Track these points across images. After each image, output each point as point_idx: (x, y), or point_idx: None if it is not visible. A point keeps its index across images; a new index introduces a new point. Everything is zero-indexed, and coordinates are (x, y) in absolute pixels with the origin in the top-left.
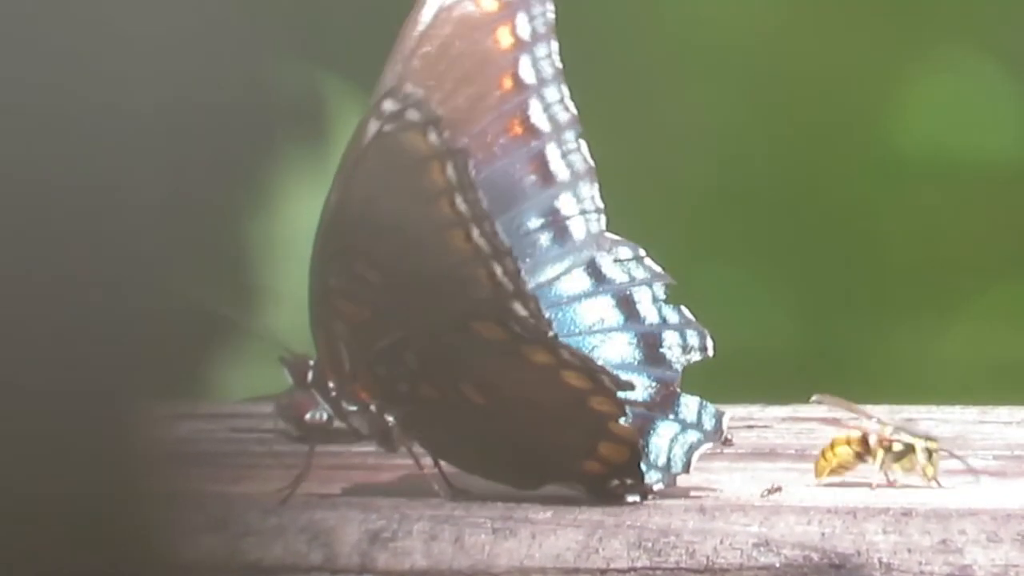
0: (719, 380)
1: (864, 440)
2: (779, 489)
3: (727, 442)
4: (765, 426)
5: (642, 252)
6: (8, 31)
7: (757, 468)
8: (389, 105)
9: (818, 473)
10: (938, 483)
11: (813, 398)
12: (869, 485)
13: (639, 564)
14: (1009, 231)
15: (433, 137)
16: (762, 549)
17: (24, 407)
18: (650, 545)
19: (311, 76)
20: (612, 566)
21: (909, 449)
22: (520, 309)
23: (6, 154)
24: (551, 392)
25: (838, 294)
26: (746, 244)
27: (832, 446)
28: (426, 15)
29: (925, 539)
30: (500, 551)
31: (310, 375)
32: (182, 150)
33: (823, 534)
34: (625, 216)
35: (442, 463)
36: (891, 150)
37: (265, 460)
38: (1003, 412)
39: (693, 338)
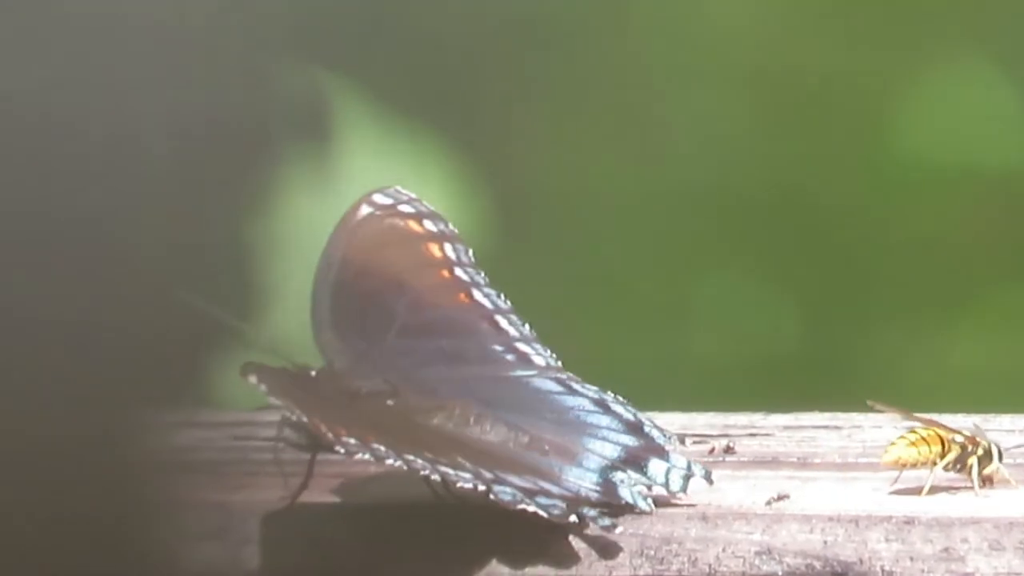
0: (720, 388)
1: (941, 441)
2: (787, 496)
3: (729, 450)
4: (767, 434)
5: (610, 393)
6: (10, 36)
7: (759, 476)
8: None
9: (892, 463)
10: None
11: (868, 403)
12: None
13: (641, 572)
14: (1012, 237)
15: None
16: (764, 557)
17: (26, 415)
18: (652, 553)
19: (313, 77)
20: (615, 574)
21: (987, 453)
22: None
23: (7, 158)
24: None
25: (839, 301)
26: (747, 251)
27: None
28: (360, 212)
29: (927, 547)
30: (501, 559)
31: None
32: (184, 152)
33: (825, 542)
34: (625, 224)
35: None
36: (893, 157)
37: (266, 468)
38: (1005, 420)
39: (671, 435)
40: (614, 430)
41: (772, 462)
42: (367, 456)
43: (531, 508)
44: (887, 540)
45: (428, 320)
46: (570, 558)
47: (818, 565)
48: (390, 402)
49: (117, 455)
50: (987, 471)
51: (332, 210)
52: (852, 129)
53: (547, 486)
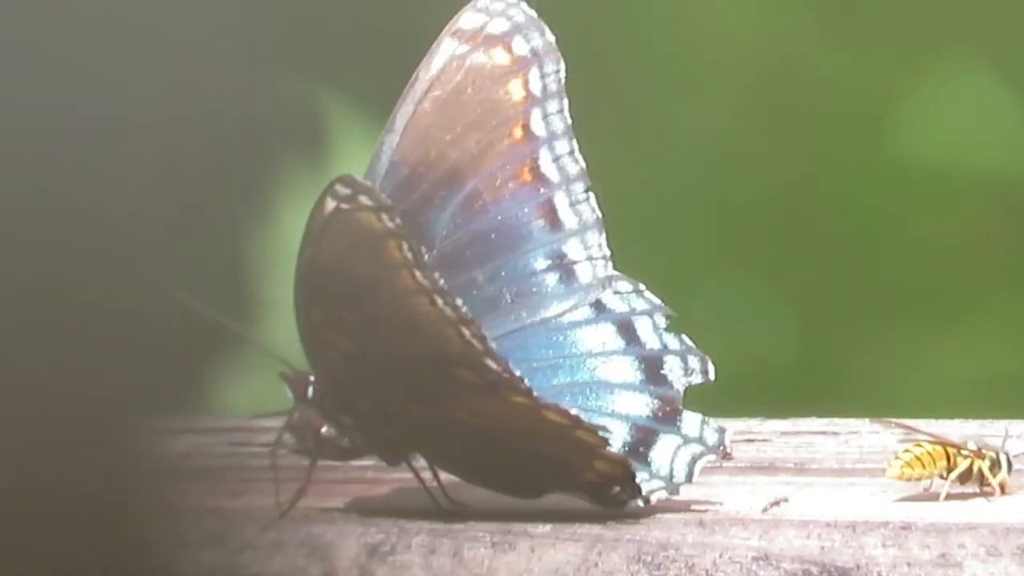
0: (718, 394)
1: (946, 455)
2: (785, 499)
3: (727, 456)
4: (764, 440)
5: (641, 286)
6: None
7: (756, 482)
8: (342, 189)
9: (896, 477)
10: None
11: (870, 421)
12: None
13: None
14: (1011, 245)
15: (386, 219)
16: (761, 563)
17: (24, 421)
18: (649, 559)
19: (310, 90)
20: None
21: (995, 463)
22: (492, 365)
23: (5, 167)
24: (536, 424)
25: (837, 307)
26: (745, 258)
27: (920, 459)
28: (438, 61)
29: (924, 553)
30: (499, 565)
31: (311, 391)
32: (181, 164)
33: (822, 548)
34: (624, 230)
35: (441, 475)
36: (893, 164)
37: (264, 474)
38: (1002, 426)
39: (694, 362)
40: (629, 387)
41: (769, 467)
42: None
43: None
44: (884, 546)
45: (470, 239)
46: (567, 564)
47: (815, 571)
48: None
49: (114, 461)
50: (998, 480)
51: None
52: (852, 137)
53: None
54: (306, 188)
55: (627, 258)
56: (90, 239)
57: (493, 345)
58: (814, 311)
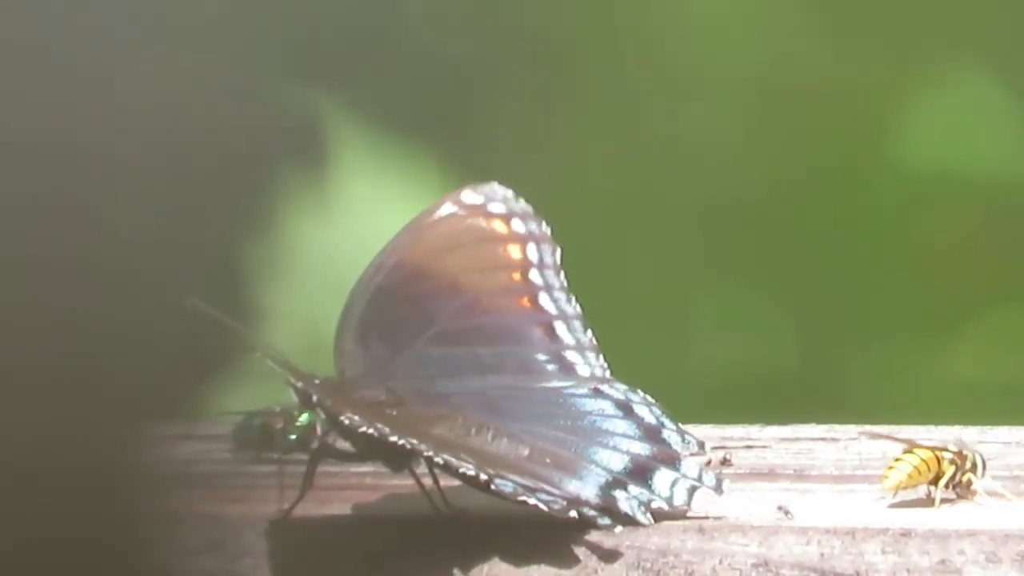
0: (718, 400)
1: (937, 460)
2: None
3: (726, 462)
4: (764, 446)
5: (638, 390)
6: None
7: (756, 488)
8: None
9: (894, 488)
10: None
11: (858, 431)
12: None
13: None
14: (1010, 252)
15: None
16: (761, 570)
17: (24, 427)
18: (649, 565)
19: (309, 98)
20: None
21: (974, 465)
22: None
23: (9, 176)
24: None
25: (837, 314)
26: (744, 265)
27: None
28: (441, 212)
29: (924, 559)
30: (498, 571)
31: (315, 397)
32: (181, 171)
33: (822, 554)
34: (623, 238)
35: (442, 482)
36: (891, 170)
37: (263, 481)
38: (1002, 432)
39: (691, 439)
40: (628, 437)
41: (769, 474)
42: (370, 430)
43: (531, 501)
44: (884, 552)
45: (472, 326)
46: (567, 570)
47: None
48: (392, 412)
49: (114, 467)
50: (977, 482)
51: (327, 229)
52: (852, 144)
53: (548, 488)
54: (306, 196)
55: (627, 267)
56: (90, 246)
57: None
58: (813, 318)
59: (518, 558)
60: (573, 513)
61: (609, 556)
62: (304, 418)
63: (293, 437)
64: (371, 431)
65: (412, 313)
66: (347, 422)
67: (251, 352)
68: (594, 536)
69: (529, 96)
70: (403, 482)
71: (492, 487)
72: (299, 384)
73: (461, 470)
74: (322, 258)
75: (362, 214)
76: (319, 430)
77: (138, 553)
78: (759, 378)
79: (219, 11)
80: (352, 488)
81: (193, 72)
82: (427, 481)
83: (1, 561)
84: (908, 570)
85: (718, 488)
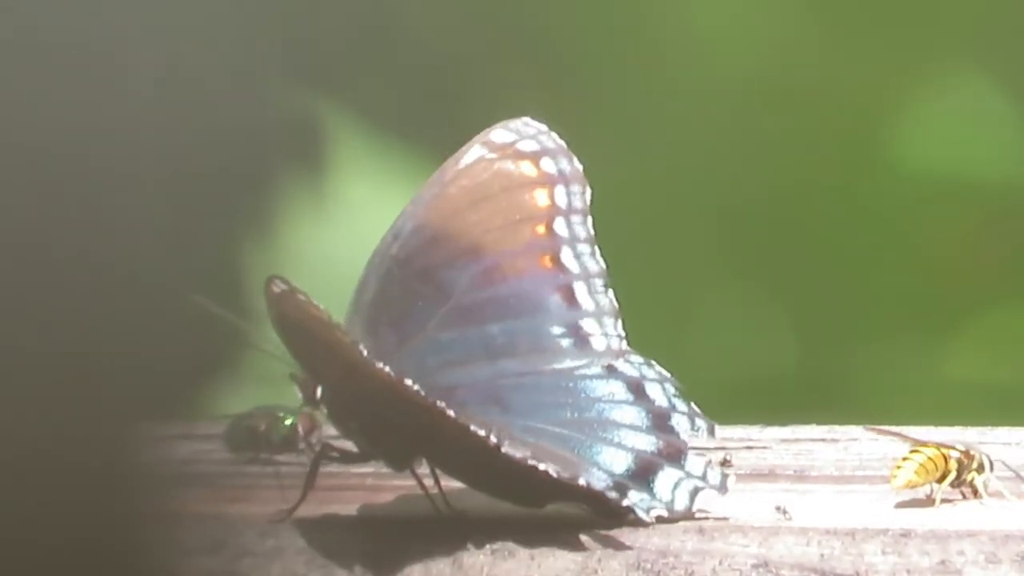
0: (718, 401)
1: (944, 459)
2: (789, 516)
3: (726, 463)
4: (764, 447)
5: (653, 362)
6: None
7: (756, 489)
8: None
9: (903, 487)
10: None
11: (865, 428)
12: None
13: None
14: (1007, 252)
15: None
16: (761, 570)
17: (23, 427)
18: (649, 566)
19: (307, 101)
20: None
21: (980, 465)
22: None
23: (6, 176)
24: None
25: (836, 315)
26: (743, 266)
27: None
28: (467, 158)
29: (924, 560)
30: (499, 572)
31: (319, 392)
32: (182, 173)
33: (822, 555)
34: (622, 240)
35: (443, 481)
36: (890, 172)
37: (263, 481)
38: (1002, 433)
39: (701, 423)
40: (635, 428)
41: (769, 475)
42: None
43: (541, 466)
44: (884, 553)
45: (487, 298)
46: (566, 571)
47: None
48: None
49: (114, 467)
50: (982, 481)
51: (327, 231)
52: (851, 145)
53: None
54: (305, 197)
55: (627, 269)
56: (89, 247)
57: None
58: (813, 318)
59: (518, 559)
60: (582, 480)
61: (609, 556)
62: (289, 420)
63: (278, 438)
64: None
65: (426, 289)
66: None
67: (254, 349)
68: (594, 536)
69: (529, 98)
70: (404, 483)
71: (503, 449)
72: (303, 378)
73: (472, 427)
74: (322, 260)
75: (362, 216)
76: (300, 431)
77: (138, 553)
78: (759, 378)
79: (219, 12)
80: (352, 488)
81: (192, 73)
82: (428, 482)
83: (0, 561)
84: (908, 570)
85: (722, 487)
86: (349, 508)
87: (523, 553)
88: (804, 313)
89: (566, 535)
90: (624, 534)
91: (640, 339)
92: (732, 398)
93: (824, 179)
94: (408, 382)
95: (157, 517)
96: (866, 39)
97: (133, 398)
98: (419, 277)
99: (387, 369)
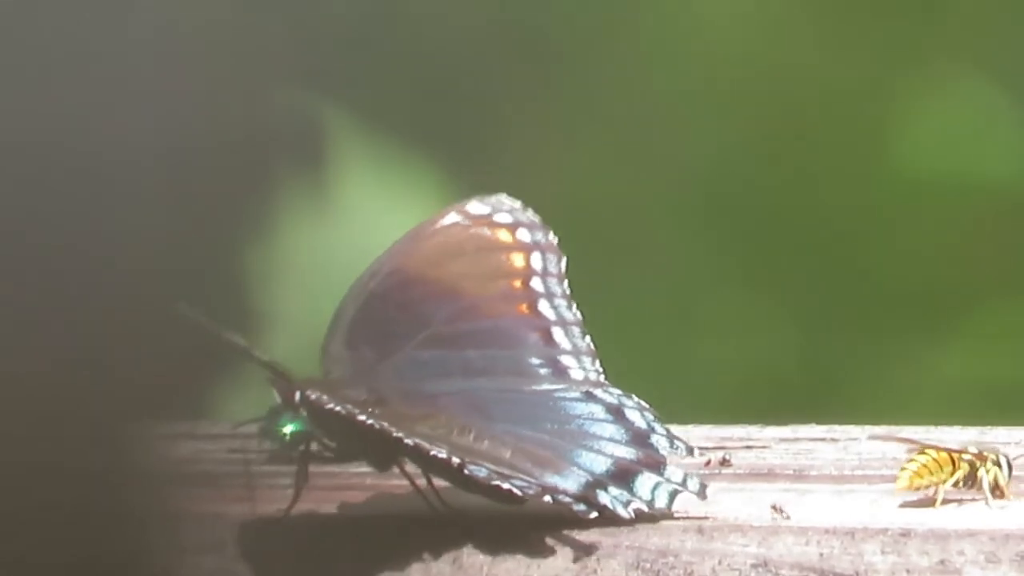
0: (717, 400)
1: (951, 461)
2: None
3: (725, 463)
4: (763, 446)
5: (632, 395)
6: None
7: (755, 489)
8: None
9: (906, 488)
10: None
11: (867, 435)
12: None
13: None
14: (1009, 251)
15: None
16: (760, 570)
17: (23, 428)
18: (648, 566)
19: (308, 103)
20: None
21: (996, 464)
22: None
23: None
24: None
25: (835, 315)
26: (744, 266)
27: (927, 467)
28: (444, 221)
29: (923, 559)
30: (498, 571)
31: (298, 395)
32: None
33: (821, 555)
34: (624, 240)
35: (435, 481)
36: (890, 172)
37: (263, 481)
38: (1001, 432)
39: (680, 444)
40: (615, 441)
41: (768, 474)
42: (336, 408)
43: (505, 485)
44: (883, 552)
45: (466, 330)
46: (566, 571)
47: None
48: (374, 410)
49: (115, 467)
50: (998, 482)
51: (327, 234)
52: (851, 146)
53: (525, 477)
54: (306, 200)
55: (629, 269)
56: (90, 248)
57: None
58: (813, 318)
59: (518, 558)
60: (547, 498)
61: (609, 556)
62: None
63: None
64: (338, 408)
65: (405, 317)
66: (312, 396)
67: (236, 353)
68: (593, 536)
69: (531, 101)
70: (403, 483)
71: (465, 472)
72: (280, 382)
73: (432, 452)
74: (322, 263)
75: (362, 219)
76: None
77: (138, 553)
78: (759, 378)
79: (221, 15)
80: (351, 488)
81: (193, 76)
82: (421, 481)
83: (1, 561)
84: (908, 570)
85: (701, 494)
86: (348, 508)
87: (523, 553)
88: (804, 313)
89: (566, 535)
90: (623, 533)
91: (641, 339)
92: (732, 398)
93: (825, 180)
94: (362, 417)
95: (157, 517)
96: (866, 39)
97: (134, 397)
98: (397, 308)
99: (338, 408)
